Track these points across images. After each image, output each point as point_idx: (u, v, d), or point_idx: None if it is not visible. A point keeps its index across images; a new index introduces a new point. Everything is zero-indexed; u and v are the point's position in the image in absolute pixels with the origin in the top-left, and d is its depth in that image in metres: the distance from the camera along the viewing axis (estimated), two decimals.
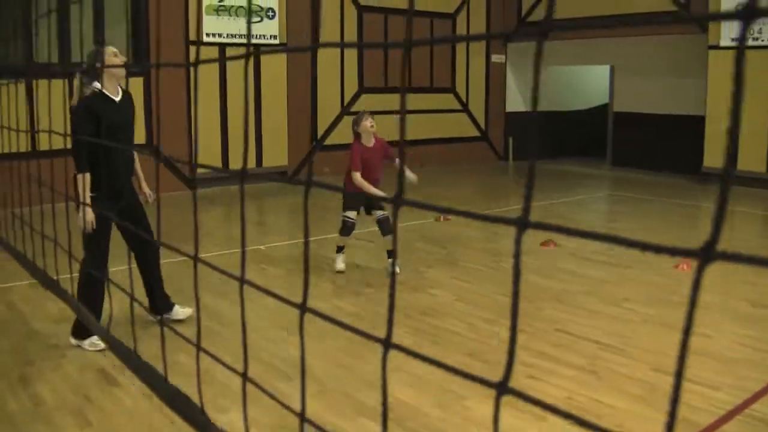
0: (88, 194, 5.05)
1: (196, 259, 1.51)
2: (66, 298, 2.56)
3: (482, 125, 17.94)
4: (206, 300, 5.92)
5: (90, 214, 5.04)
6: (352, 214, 7.20)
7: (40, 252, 2.97)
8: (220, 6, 13.33)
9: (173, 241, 1.84)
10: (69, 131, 4.98)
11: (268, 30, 13.93)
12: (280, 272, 7.38)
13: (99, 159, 5.08)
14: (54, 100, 3.97)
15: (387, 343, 1.04)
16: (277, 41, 14.03)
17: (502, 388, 0.87)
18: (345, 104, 15.29)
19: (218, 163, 13.28)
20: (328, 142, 14.93)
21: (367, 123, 7.10)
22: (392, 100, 15.52)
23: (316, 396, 4.42)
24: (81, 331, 5.21)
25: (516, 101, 18.23)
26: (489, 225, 9.83)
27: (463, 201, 11.82)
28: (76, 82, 5.33)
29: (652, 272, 7.28)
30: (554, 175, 15.50)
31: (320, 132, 15.01)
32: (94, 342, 5.20)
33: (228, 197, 11.76)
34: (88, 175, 5.06)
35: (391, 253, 7.17)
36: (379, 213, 7.20)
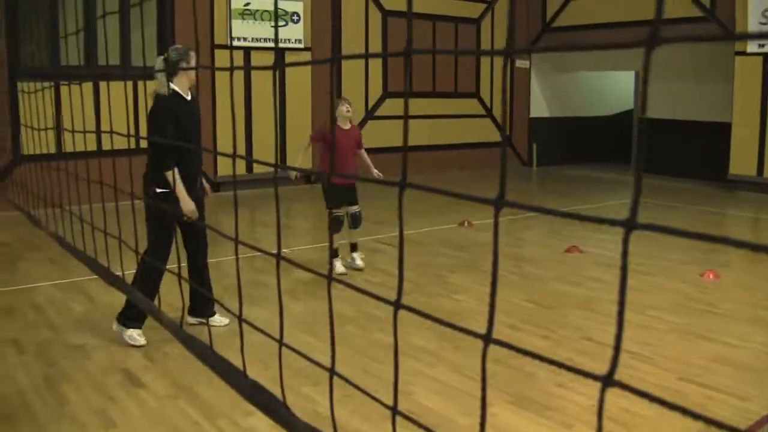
0: (181, 185, 5.15)
1: (278, 257, 1.52)
2: (130, 291, 2.56)
3: (506, 131, 17.86)
4: (234, 305, 5.93)
5: (191, 204, 5.24)
6: (338, 210, 7.37)
7: (94, 248, 2.98)
8: (246, 10, 13.39)
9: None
10: (146, 131, 5.23)
11: (293, 34, 13.97)
12: (305, 276, 7.36)
13: (177, 157, 5.14)
14: (116, 102, 3.98)
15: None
16: (301, 45, 14.08)
17: (607, 380, 0.90)
18: (369, 108, 15.29)
19: (242, 167, 13.32)
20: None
21: (343, 108, 7.40)
22: (417, 105, 15.54)
23: (342, 401, 4.40)
24: (129, 319, 5.33)
25: (540, 107, 18.18)
26: (513, 231, 9.79)
27: (485, 206, 11.74)
28: (155, 84, 5.41)
29: (677, 280, 7.23)
30: (578, 181, 15.43)
31: None
32: (135, 336, 5.29)
33: (252, 200, 11.76)
34: (176, 170, 5.20)
35: (355, 247, 7.62)
36: (354, 208, 7.43)
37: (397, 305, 1.22)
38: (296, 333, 5.50)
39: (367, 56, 1.40)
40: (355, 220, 7.42)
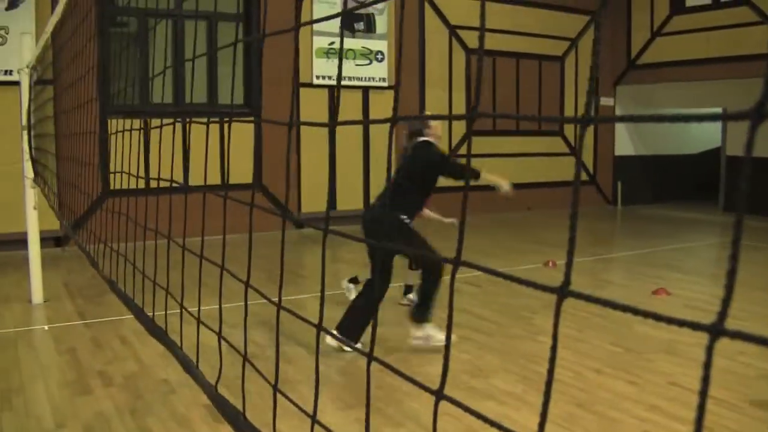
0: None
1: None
2: (174, 351, 2.59)
3: (591, 169, 17.69)
4: (284, 348, 5.98)
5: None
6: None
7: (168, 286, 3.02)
8: (330, 49, 13.59)
9: (275, 280, 1.87)
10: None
11: (377, 73, 14.13)
12: (388, 315, 7.33)
13: (426, 192, 6.35)
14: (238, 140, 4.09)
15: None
16: (386, 84, 14.22)
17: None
18: (452, 147, 15.29)
19: (324, 205, 13.45)
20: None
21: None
22: (501, 144, 15.48)
23: None
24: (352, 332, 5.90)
25: (625, 145, 17.92)
26: (597, 271, 9.64)
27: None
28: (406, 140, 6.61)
29: None
30: (662, 221, 15.13)
31: None
32: (358, 349, 5.74)
33: (334, 238, 11.79)
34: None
35: (409, 289, 7.57)
36: None
37: (439, 396, 1.20)
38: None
39: (430, 117, 1.40)
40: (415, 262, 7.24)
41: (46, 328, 7.11)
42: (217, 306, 2.26)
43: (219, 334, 2.11)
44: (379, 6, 14.05)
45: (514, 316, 7.36)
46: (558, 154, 16.99)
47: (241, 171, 11.60)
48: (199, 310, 2.33)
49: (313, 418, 1.48)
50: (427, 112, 14.83)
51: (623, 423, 4.66)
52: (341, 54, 1.36)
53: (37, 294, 8.04)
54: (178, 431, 4.56)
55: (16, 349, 6.40)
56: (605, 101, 17.59)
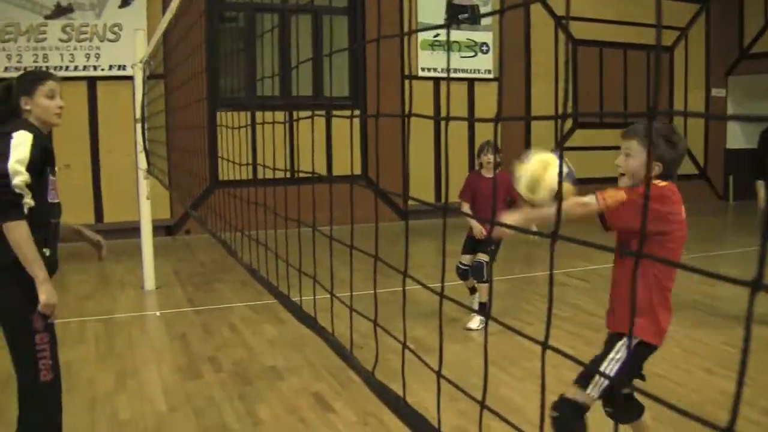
0: None
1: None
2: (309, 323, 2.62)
3: (701, 162, 17.17)
4: (416, 332, 5.97)
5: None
6: (464, 258, 6.89)
7: (276, 275, 3.07)
8: (435, 41, 13.57)
9: (383, 271, 1.91)
10: None
11: (482, 64, 14.05)
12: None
13: None
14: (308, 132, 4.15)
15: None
16: (490, 75, 14.12)
17: None
18: (559, 140, 15.06)
19: (430, 196, 13.44)
20: None
21: (485, 157, 6.91)
22: (607, 136, 15.13)
23: None
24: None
25: (737, 138, 17.31)
26: (708, 267, 9.35)
27: None
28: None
29: None
30: None
31: None
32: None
33: (439, 230, 11.70)
34: None
35: (473, 290, 6.99)
36: (481, 257, 6.77)
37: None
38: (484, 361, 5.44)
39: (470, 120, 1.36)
40: (474, 270, 6.81)
41: (157, 313, 7.32)
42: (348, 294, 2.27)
43: (374, 322, 2.09)
44: None
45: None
46: None
47: (346, 163, 11.70)
48: (351, 296, 2.31)
49: (482, 403, 1.47)
50: (533, 106, 14.68)
51: (736, 426, 4.50)
52: (448, 53, 1.35)
53: (150, 281, 8.30)
54: (286, 418, 4.63)
55: (129, 333, 6.62)
56: (717, 92, 17.05)
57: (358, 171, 13.12)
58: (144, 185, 8.34)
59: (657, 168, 3.25)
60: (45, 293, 3.25)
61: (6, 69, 10.85)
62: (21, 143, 3.29)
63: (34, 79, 3.55)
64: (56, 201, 3.53)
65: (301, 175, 2.92)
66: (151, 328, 6.91)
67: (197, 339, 6.37)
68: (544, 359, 1.33)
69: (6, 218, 3.22)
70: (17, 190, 3.22)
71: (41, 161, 3.35)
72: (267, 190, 3.66)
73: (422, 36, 13.53)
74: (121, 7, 11.86)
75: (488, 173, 6.90)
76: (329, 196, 2.61)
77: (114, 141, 11.75)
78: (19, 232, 3.22)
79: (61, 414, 3.49)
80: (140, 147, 8.32)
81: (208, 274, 9.00)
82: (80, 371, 5.46)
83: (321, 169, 11.89)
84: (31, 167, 3.27)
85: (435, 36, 13.61)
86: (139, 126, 8.32)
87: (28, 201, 3.27)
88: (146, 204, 8.39)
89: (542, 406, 1.43)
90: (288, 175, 3.28)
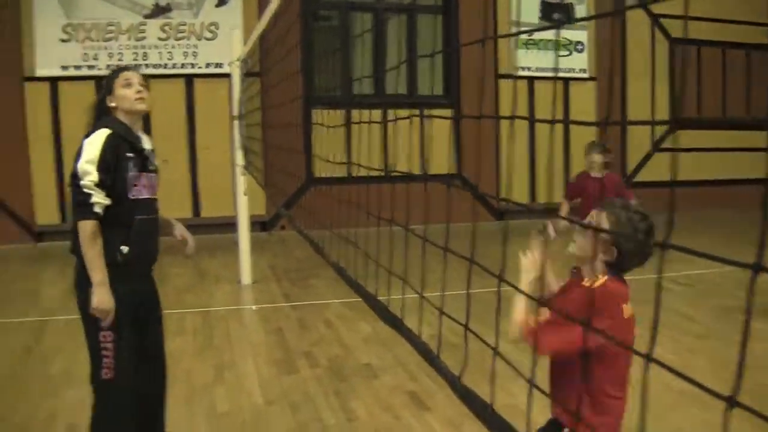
0: None
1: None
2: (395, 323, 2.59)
3: None
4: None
5: None
6: None
7: (365, 273, 3.05)
8: (529, 40, 13.42)
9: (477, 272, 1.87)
10: None
11: (577, 63, 13.84)
12: None
13: None
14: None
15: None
16: (585, 74, 13.90)
17: None
18: (656, 141, 14.72)
19: (525, 197, 13.31)
20: (638, 179, 14.41)
21: (595, 156, 6.84)
22: (708, 138, 14.72)
23: None
24: None
25: None
26: None
27: None
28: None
29: None
30: None
31: (630, 169, 14.55)
32: None
33: (531, 229, 11.44)
34: None
35: None
36: None
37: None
38: None
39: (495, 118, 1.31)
40: None
41: (254, 308, 7.43)
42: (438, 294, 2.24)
43: (466, 326, 2.05)
44: None
45: (730, 319, 6.87)
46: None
47: (439, 162, 11.67)
48: (442, 296, 2.29)
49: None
50: (630, 105, 14.38)
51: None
52: (557, 52, 1.31)
53: (246, 275, 8.42)
54: (381, 415, 4.62)
55: (227, 327, 6.72)
56: None
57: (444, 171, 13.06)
58: (241, 181, 8.45)
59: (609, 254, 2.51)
60: (96, 296, 3.28)
61: (108, 67, 11.14)
62: (93, 143, 3.34)
63: (110, 75, 3.60)
64: (143, 197, 3.50)
65: (396, 174, 2.89)
66: (247, 321, 7.02)
67: (293, 334, 6.43)
68: (647, 371, 1.28)
69: (77, 217, 3.30)
70: (86, 190, 3.28)
71: (115, 159, 3.36)
72: (361, 189, 3.66)
73: (517, 36, 13.40)
74: (217, 6, 12.09)
75: (596, 173, 6.81)
76: (422, 195, 2.58)
77: (210, 138, 11.97)
78: (83, 231, 3.28)
79: (134, 417, 3.52)
80: (238, 143, 8.44)
81: (304, 270, 9.08)
82: (179, 362, 5.55)
83: (414, 167, 11.90)
84: (103, 166, 3.31)
85: (530, 35, 13.47)
86: (236, 123, 8.44)
87: (100, 200, 3.31)
88: (243, 200, 8.50)
89: (642, 419, 1.37)
90: (383, 173, 3.27)
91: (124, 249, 3.40)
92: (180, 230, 3.99)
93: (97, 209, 3.30)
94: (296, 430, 4.42)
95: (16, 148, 11.71)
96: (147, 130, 3.69)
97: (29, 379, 5.43)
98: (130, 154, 3.44)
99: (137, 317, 3.49)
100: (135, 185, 3.44)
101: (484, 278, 2.15)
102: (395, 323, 2.59)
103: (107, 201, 3.33)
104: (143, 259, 3.57)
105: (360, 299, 6.89)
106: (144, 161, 3.53)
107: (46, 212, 11.54)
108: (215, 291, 8.14)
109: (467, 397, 1.91)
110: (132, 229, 3.44)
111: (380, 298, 2.86)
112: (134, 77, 3.56)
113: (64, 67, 11.60)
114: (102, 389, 3.42)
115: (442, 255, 2.24)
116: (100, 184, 3.30)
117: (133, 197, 3.44)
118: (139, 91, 3.53)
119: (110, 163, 3.33)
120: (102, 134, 3.37)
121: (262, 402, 4.87)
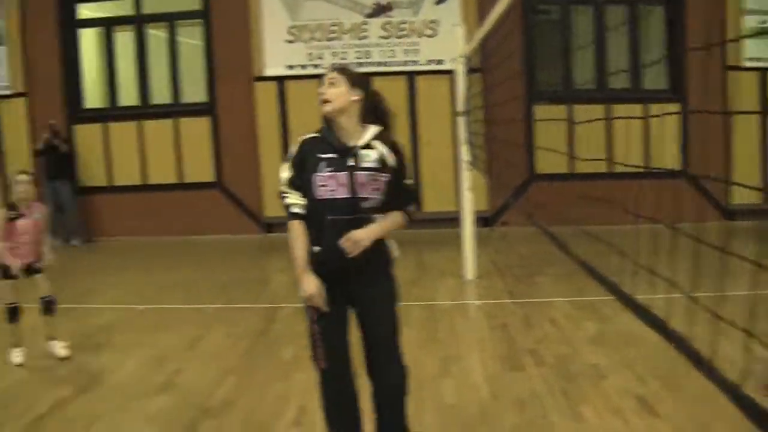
0: None
1: None
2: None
3: None
4: None
5: None
6: None
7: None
8: (762, 28, 12.66)
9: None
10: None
11: None
12: None
13: None
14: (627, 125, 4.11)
15: None
16: None
17: None
18: None
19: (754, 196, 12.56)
20: None
21: None
22: None
23: None
24: None
25: None
26: None
27: None
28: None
29: None
30: None
31: None
32: None
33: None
34: None
35: None
36: None
37: None
38: None
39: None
40: None
41: (478, 303, 7.54)
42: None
43: (748, 332, 2.02)
44: None
45: None
46: None
47: (661, 158, 11.32)
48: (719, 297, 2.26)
49: None
50: None
51: None
52: None
53: (470, 270, 8.55)
54: (609, 419, 4.54)
55: (451, 321, 6.88)
56: None
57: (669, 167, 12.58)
58: (466, 177, 8.55)
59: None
60: (301, 286, 3.52)
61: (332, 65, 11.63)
62: (292, 146, 3.62)
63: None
64: (329, 197, 3.47)
65: (621, 169, 2.87)
66: (472, 316, 7.15)
67: (518, 331, 6.49)
68: None
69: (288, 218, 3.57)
70: (282, 192, 3.57)
71: (301, 160, 3.54)
72: (585, 184, 3.66)
73: (748, 23, 12.66)
74: (437, 3, 12.32)
75: None
76: (647, 192, 2.54)
77: (432, 133, 12.22)
78: (288, 231, 3.56)
79: (336, 408, 3.78)
80: (463, 139, 8.54)
81: (528, 266, 9.09)
82: (406, 353, 5.74)
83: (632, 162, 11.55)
84: (294, 168, 3.55)
85: (762, 23, 12.71)
86: (461, 119, 8.56)
87: (295, 200, 3.53)
88: (468, 195, 8.60)
89: None
90: (608, 169, 3.26)
91: (316, 249, 3.55)
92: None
93: (297, 210, 3.54)
94: (523, 427, 4.47)
95: (249, 146, 12.51)
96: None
97: (261, 361, 5.89)
98: (323, 155, 3.51)
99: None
100: (322, 185, 3.48)
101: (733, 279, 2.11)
102: (657, 324, 2.51)
103: (304, 201, 3.54)
104: (331, 259, 3.54)
105: (586, 298, 6.85)
106: (343, 160, 3.51)
107: (274, 206, 12.21)
108: (439, 286, 8.34)
109: (752, 410, 1.82)
110: (322, 229, 3.51)
111: (638, 297, 2.80)
112: (326, 78, 3.61)
113: (290, 67, 12.29)
114: (320, 377, 3.73)
115: (673, 254, 2.20)
116: (294, 185, 3.54)
117: (320, 197, 3.49)
118: (321, 94, 3.57)
119: (298, 165, 3.55)
120: (301, 138, 3.62)
121: (488, 396, 4.96)
